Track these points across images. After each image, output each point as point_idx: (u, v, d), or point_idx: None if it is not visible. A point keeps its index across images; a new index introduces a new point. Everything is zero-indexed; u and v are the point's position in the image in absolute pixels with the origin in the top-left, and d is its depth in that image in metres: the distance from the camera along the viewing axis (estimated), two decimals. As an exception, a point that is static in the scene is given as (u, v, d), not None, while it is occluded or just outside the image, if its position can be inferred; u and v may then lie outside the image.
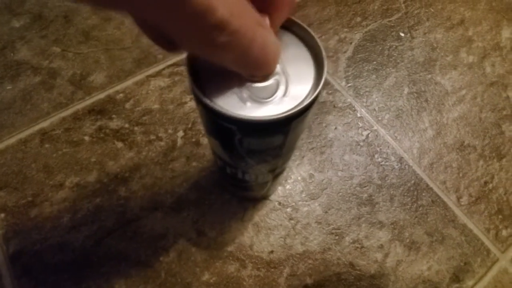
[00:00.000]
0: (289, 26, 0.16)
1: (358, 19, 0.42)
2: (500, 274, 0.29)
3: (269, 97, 0.15)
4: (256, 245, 0.29)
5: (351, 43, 0.41)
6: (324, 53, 0.15)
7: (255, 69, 0.13)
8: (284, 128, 0.15)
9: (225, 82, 0.15)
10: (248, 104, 0.14)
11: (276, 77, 0.15)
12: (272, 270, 0.28)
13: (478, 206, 0.32)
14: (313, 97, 0.14)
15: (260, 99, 0.15)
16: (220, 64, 0.12)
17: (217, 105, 0.14)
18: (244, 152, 0.17)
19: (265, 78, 0.15)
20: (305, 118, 0.16)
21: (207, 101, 0.14)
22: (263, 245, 0.29)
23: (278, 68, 0.15)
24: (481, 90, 0.38)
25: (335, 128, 0.35)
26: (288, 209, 0.31)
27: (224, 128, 0.15)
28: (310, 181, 0.32)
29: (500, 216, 0.32)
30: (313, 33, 0.15)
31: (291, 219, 0.30)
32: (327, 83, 0.37)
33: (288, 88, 0.15)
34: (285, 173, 0.27)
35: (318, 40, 0.15)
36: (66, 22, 0.40)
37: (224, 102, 0.14)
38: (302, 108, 0.14)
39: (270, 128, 0.15)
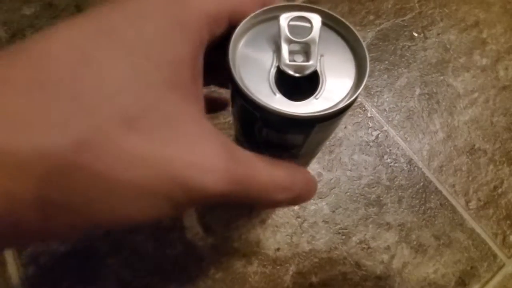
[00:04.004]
0: (337, 27, 0.16)
1: (371, 17, 0.42)
2: (506, 279, 0.29)
3: (301, 95, 0.15)
4: (262, 242, 0.29)
5: (363, 41, 0.40)
6: (368, 64, 0.15)
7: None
8: (305, 129, 0.15)
9: (260, 72, 0.15)
10: (278, 96, 0.14)
11: (313, 76, 0.15)
12: (278, 267, 0.28)
13: (487, 211, 0.32)
14: (340, 107, 0.14)
15: (291, 95, 0.15)
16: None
17: (246, 88, 0.14)
18: (260, 141, 0.17)
19: None
20: (331, 125, 0.15)
21: (238, 81, 0.14)
22: (269, 242, 0.29)
23: (317, 67, 0.15)
24: (493, 93, 0.38)
25: (345, 127, 0.35)
26: (296, 207, 0.31)
27: (248, 112, 0.15)
28: (318, 180, 0.32)
29: (508, 222, 0.31)
30: (361, 40, 0.15)
31: (298, 217, 0.30)
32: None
33: (322, 90, 0.15)
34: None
35: (366, 49, 0.15)
36: (77, 11, 0.40)
37: (255, 88, 0.14)
38: (326, 114, 0.14)
39: (291, 124, 0.14)
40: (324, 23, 0.15)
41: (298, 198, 0.15)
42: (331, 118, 0.15)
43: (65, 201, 0.09)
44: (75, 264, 0.27)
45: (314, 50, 0.15)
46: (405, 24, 0.42)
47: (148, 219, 0.11)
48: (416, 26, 0.42)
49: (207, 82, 0.19)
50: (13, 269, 0.27)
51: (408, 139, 0.35)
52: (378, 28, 0.41)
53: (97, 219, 0.10)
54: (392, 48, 0.40)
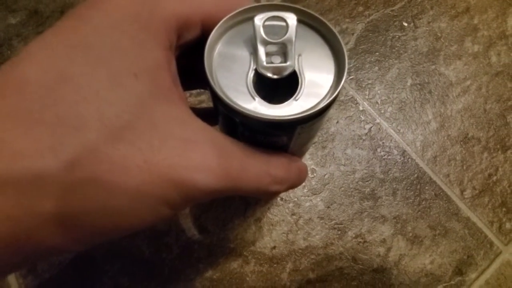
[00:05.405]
0: (313, 24, 0.15)
1: (360, 8, 0.41)
2: (503, 266, 0.29)
3: (280, 97, 0.14)
4: (258, 241, 0.29)
5: (353, 34, 0.40)
6: (346, 59, 0.14)
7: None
8: (287, 132, 0.15)
9: (238, 76, 0.15)
10: (257, 99, 0.14)
11: (292, 77, 0.15)
12: (275, 265, 0.28)
13: (482, 199, 0.32)
14: (320, 107, 0.14)
15: (271, 97, 0.14)
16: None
17: (223, 93, 0.14)
18: (245, 143, 0.17)
19: None
20: (314, 125, 0.15)
21: (215, 86, 0.13)
22: (265, 241, 0.29)
23: (295, 67, 0.15)
24: (486, 80, 0.38)
25: (337, 122, 0.34)
26: (290, 205, 0.31)
27: (228, 117, 0.15)
28: (312, 176, 0.32)
29: (504, 209, 0.31)
30: (341, 40, 0.15)
31: (293, 214, 0.30)
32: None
33: (302, 90, 0.15)
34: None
35: (343, 44, 0.15)
36: (62, 17, 0.39)
37: (234, 93, 0.14)
38: (305, 115, 0.13)
39: (271, 127, 0.14)
40: (300, 21, 0.15)
41: (291, 187, 0.16)
42: (312, 119, 0.14)
43: (66, 216, 0.10)
44: (73, 272, 0.28)
45: (291, 50, 0.14)
46: (395, 14, 0.42)
47: (146, 223, 0.11)
48: (406, 15, 0.41)
49: (191, 85, 0.19)
50: (12, 278, 0.27)
51: (401, 131, 0.34)
52: (367, 20, 0.41)
53: (99, 228, 0.10)
54: (382, 39, 0.40)
